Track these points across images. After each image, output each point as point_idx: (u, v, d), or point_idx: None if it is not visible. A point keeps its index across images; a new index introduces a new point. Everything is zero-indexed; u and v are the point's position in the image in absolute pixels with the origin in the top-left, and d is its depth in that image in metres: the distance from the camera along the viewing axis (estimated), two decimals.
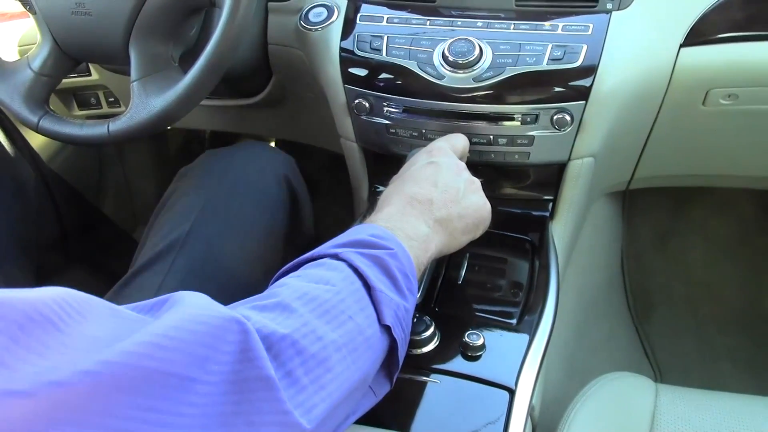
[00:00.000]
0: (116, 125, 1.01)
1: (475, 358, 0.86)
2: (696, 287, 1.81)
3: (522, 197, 1.15)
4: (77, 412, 0.45)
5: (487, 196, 0.92)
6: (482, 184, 0.93)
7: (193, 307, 0.54)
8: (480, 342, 0.86)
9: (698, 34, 1.08)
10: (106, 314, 0.51)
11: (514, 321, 0.93)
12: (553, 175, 1.11)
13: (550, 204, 1.13)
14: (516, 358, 0.86)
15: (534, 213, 1.13)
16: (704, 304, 1.79)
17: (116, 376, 0.46)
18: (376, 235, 0.77)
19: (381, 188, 1.18)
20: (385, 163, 1.09)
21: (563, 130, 1.04)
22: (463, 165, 0.94)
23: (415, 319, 0.87)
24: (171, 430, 0.49)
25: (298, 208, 1.19)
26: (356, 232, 0.78)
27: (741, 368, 1.66)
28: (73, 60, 1.11)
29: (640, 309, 1.74)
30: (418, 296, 0.92)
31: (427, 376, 0.84)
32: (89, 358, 0.46)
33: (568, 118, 1.03)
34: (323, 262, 0.74)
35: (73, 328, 0.48)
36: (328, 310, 0.65)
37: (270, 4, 1.22)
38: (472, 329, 0.87)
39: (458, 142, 1.00)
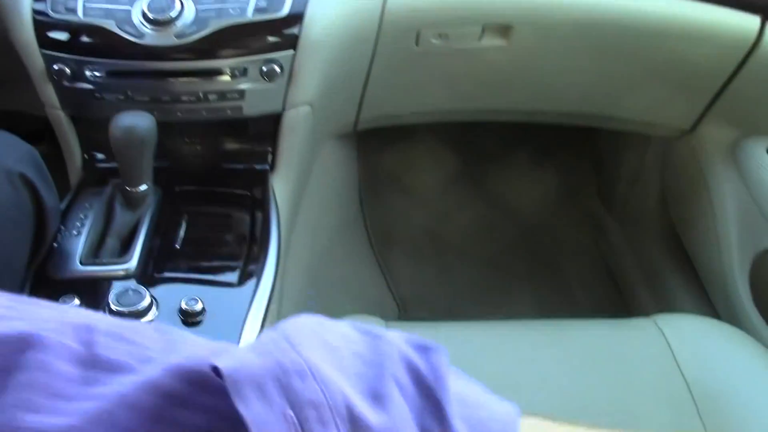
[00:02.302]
0: None
1: (195, 324, 0.84)
2: (434, 219, 1.89)
3: (243, 152, 1.14)
4: None
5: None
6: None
7: None
8: (199, 307, 0.84)
9: None
10: None
11: (235, 279, 0.92)
12: (271, 127, 1.10)
13: (270, 156, 1.13)
14: (238, 318, 0.86)
15: (256, 167, 1.12)
16: (443, 234, 1.87)
17: None
18: None
19: (99, 155, 1.13)
20: (98, 129, 1.03)
21: (274, 81, 1.03)
22: None
23: (129, 292, 0.84)
24: None
25: (42, 215, 0.92)
26: None
27: (479, 294, 1.76)
28: None
29: (381, 246, 1.79)
30: (132, 262, 0.90)
31: None
32: None
33: (277, 68, 1.02)
34: None
35: None
36: None
37: None
38: (191, 294, 0.86)
39: None
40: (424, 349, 0.49)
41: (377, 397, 0.43)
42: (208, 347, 0.46)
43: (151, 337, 0.46)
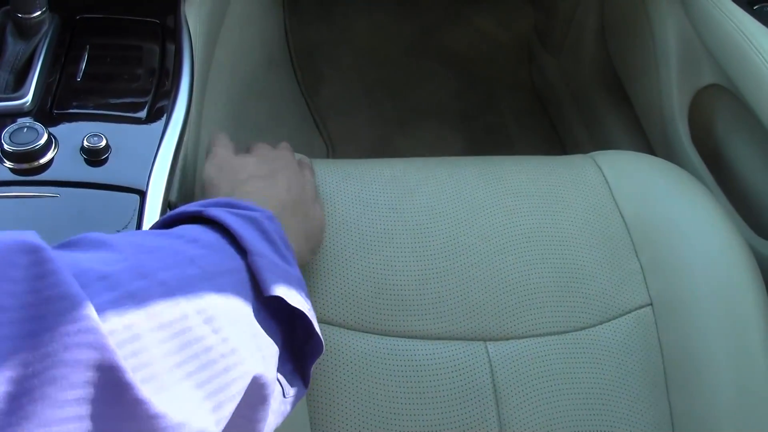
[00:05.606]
0: None
1: (100, 163, 0.77)
2: (362, 54, 1.81)
3: None
4: None
5: None
6: None
7: None
8: (103, 144, 0.77)
9: None
10: None
11: (143, 115, 0.84)
12: None
13: None
14: (147, 156, 0.79)
15: None
16: (371, 70, 1.80)
17: None
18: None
19: None
20: None
21: None
22: None
23: (24, 129, 0.76)
24: None
25: None
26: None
27: (410, 132, 1.71)
28: None
29: (308, 82, 1.71)
30: (28, 97, 0.81)
31: (43, 193, 0.74)
32: None
33: None
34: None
35: None
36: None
37: None
38: (94, 130, 0.78)
39: None
40: None
41: None
42: None
43: None
